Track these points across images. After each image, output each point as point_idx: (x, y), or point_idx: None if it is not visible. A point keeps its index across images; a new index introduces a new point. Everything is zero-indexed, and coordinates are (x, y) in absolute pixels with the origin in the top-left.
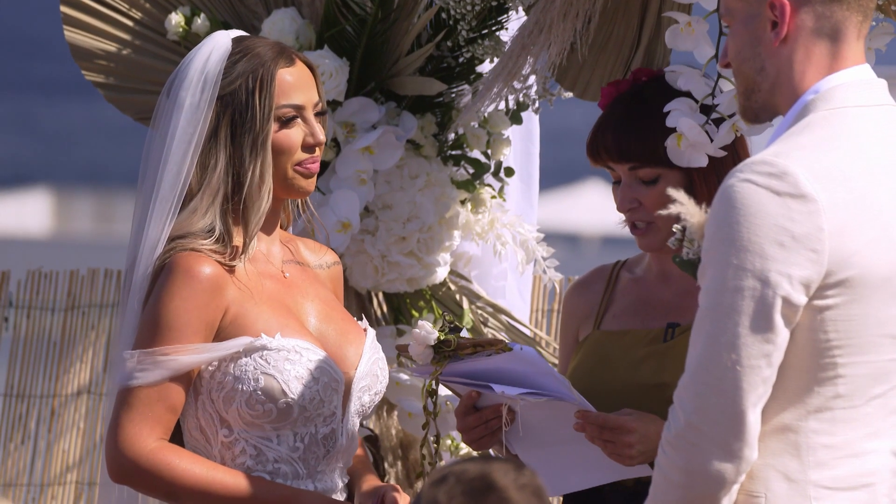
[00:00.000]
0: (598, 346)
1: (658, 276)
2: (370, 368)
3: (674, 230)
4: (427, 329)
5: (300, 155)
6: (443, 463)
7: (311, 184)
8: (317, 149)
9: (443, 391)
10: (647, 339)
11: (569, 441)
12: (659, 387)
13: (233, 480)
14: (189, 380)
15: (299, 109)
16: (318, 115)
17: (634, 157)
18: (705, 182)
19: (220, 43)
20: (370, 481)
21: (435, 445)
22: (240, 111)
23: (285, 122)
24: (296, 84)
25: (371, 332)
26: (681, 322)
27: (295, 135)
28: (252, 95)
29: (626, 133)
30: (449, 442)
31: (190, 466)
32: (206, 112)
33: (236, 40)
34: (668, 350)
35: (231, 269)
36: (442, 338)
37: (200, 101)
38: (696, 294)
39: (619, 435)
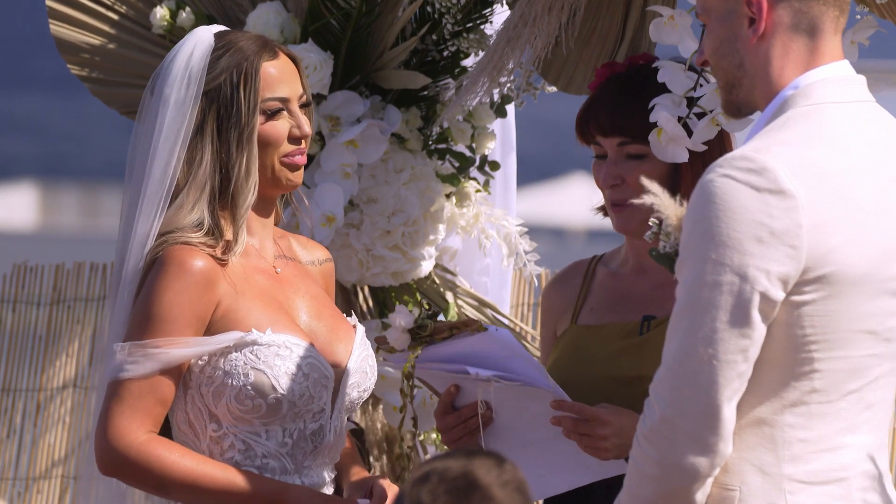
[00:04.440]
0: (576, 341)
1: (634, 269)
2: (359, 365)
3: (650, 223)
4: (404, 313)
5: (286, 147)
6: (428, 456)
7: (298, 176)
8: (303, 141)
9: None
10: (623, 333)
11: (546, 441)
12: (636, 380)
13: (222, 474)
14: (179, 373)
15: (285, 102)
16: (302, 107)
17: (627, 131)
18: (691, 167)
19: (202, 38)
20: (358, 473)
21: (414, 429)
22: (225, 106)
23: (271, 115)
24: (280, 77)
25: (360, 328)
26: (657, 314)
27: (281, 127)
28: (237, 90)
29: (621, 107)
30: (434, 436)
31: (180, 459)
32: (191, 108)
33: (218, 35)
34: (645, 343)
35: (223, 263)
36: (419, 322)
37: (186, 98)
38: (672, 286)
39: (594, 427)
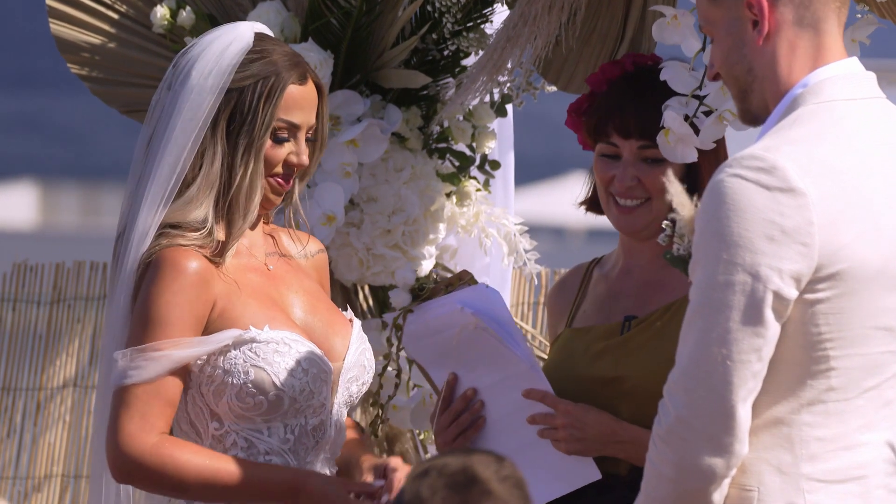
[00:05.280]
0: (566, 343)
1: (622, 271)
2: (357, 359)
3: (663, 226)
4: (408, 269)
5: (279, 169)
6: (427, 455)
7: (277, 199)
8: (296, 169)
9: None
10: (606, 334)
11: (531, 446)
12: (615, 380)
13: (238, 467)
14: (184, 373)
15: (293, 128)
16: (309, 140)
17: (651, 135)
18: (709, 170)
19: (243, 35)
20: (369, 459)
21: (397, 380)
22: (241, 111)
23: (277, 137)
24: (300, 102)
25: (357, 322)
26: (638, 314)
27: (282, 151)
28: (258, 101)
29: (647, 111)
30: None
31: (193, 457)
32: (213, 100)
33: (258, 37)
34: (624, 343)
35: (216, 263)
36: (420, 283)
37: (210, 88)
38: (655, 286)
39: (552, 418)
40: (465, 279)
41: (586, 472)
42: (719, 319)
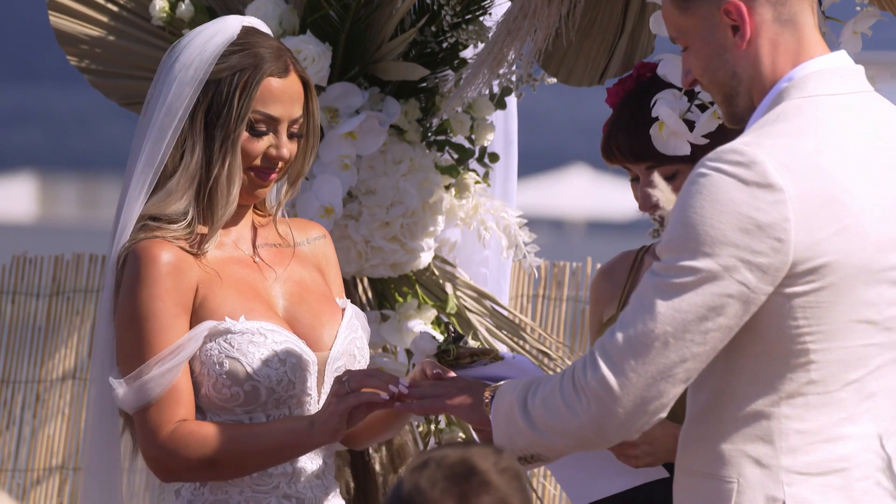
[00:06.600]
0: None
1: None
2: (346, 348)
3: (652, 220)
4: (427, 339)
5: (258, 162)
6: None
7: (263, 192)
8: (280, 163)
9: None
10: None
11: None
12: None
13: (254, 429)
14: (186, 368)
15: (272, 121)
16: (294, 136)
17: (650, 156)
18: None
19: (228, 27)
20: None
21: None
22: (218, 102)
23: (254, 130)
24: (278, 95)
25: (349, 310)
26: None
27: (259, 144)
28: (234, 93)
29: (638, 134)
30: (433, 427)
31: (213, 428)
32: (192, 91)
33: (245, 30)
34: None
35: (196, 255)
36: (443, 347)
37: (190, 79)
38: None
39: (624, 446)
40: (490, 355)
41: (653, 469)
42: (673, 297)
